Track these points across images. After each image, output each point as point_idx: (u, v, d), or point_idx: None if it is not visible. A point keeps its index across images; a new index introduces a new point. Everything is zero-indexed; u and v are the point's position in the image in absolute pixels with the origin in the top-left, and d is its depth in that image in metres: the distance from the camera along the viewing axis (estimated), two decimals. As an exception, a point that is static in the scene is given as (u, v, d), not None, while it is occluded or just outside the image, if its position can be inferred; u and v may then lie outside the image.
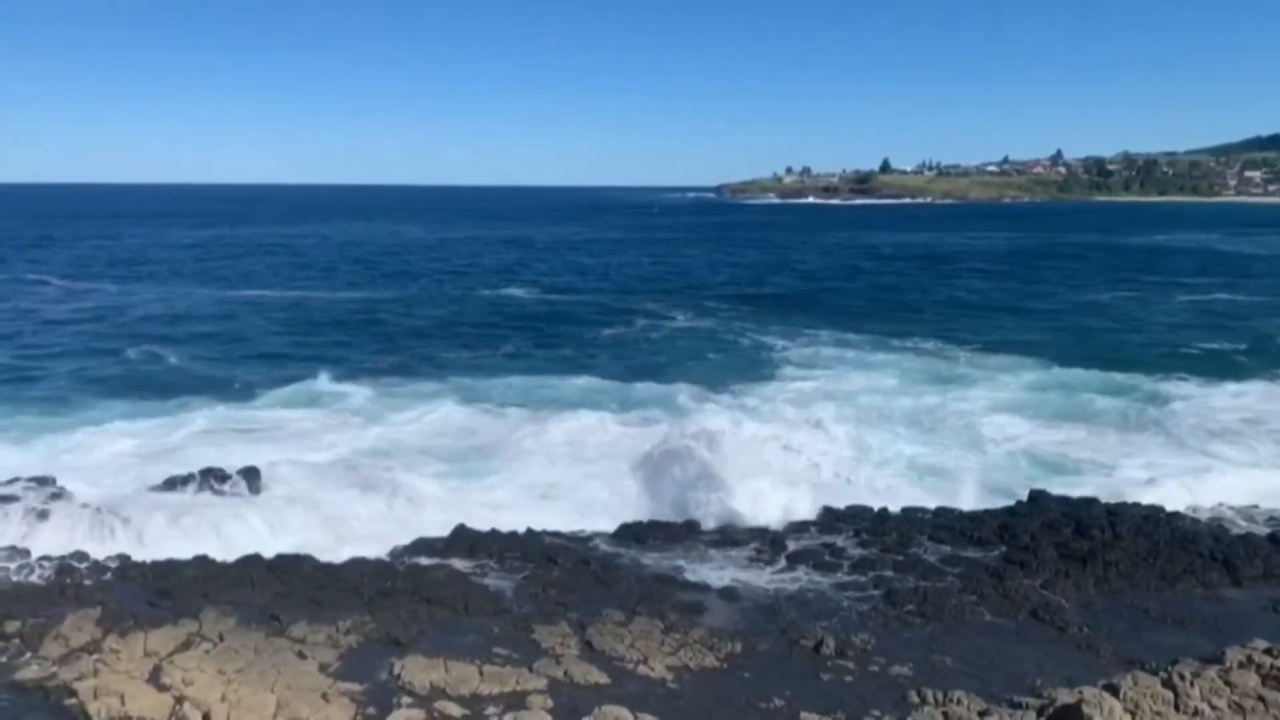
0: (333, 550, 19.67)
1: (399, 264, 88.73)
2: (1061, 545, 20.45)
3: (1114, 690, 12.23)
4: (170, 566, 18.23)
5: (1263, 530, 21.66)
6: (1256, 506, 23.68)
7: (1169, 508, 22.80)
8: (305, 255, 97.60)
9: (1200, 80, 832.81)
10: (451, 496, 23.77)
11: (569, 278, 78.10)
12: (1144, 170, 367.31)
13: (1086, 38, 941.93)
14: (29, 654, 14.82)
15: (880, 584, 18.78)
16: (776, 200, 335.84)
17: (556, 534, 21.22)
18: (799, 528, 21.86)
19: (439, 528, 21.16)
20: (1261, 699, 12.17)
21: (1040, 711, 11.76)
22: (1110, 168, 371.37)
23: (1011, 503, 23.29)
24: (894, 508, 22.91)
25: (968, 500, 23.94)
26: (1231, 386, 36.95)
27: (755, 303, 61.43)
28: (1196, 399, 35.04)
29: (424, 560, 19.57)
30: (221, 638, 15.38)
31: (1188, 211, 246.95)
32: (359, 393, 34.50)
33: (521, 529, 21.11)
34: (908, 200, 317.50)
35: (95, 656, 14.63)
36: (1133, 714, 11.62)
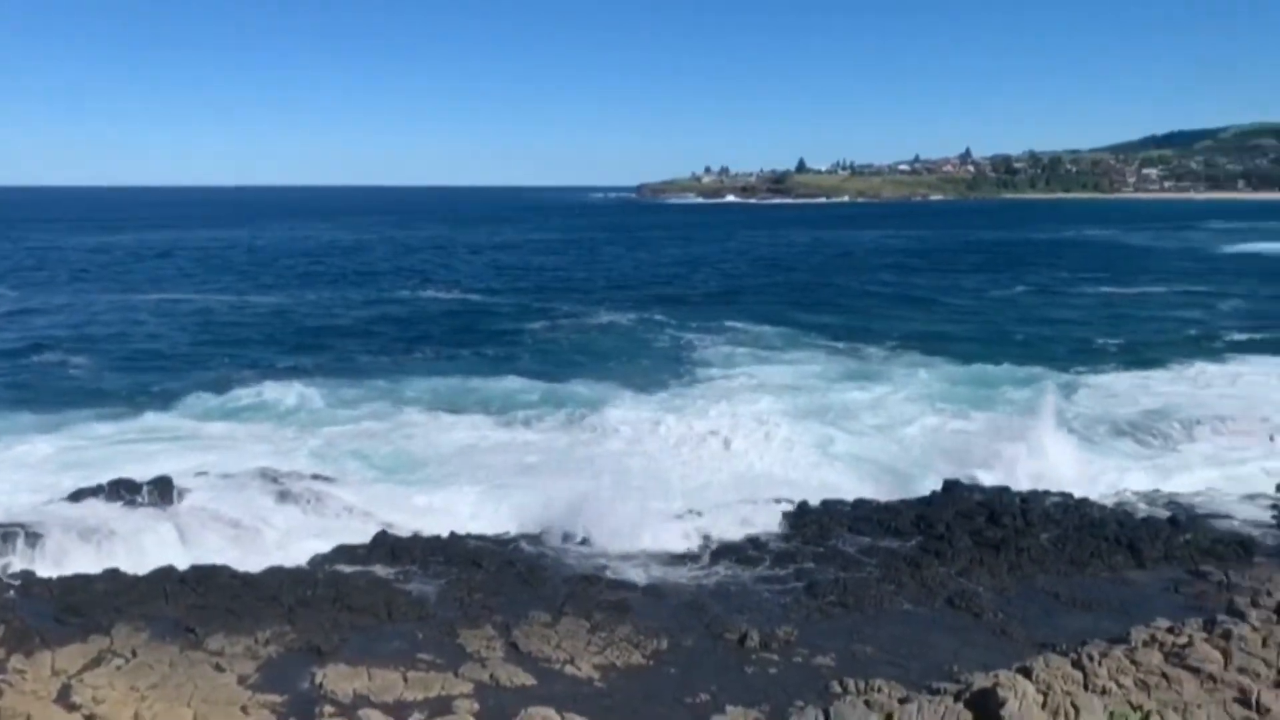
0: (250, 560, 19.24)
1: (315, 266, 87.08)
2: (976, 534, 21.03)
3: (1027, 672, 12.62)
4: (79, 581, 17.62)
5: (1163, 514, 22.52)
6: (1158, 491, 24.60)
7: (1076, 495, 23.59)
8: (217, 258, 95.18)
9: (1101, 81, 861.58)
10: (374, 502, 23.46)
11: (491, 279, 77.56)
12: (1049, 168, 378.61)
13: (992, 38, 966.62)
14: (-72, 677, 14.23)
15: (802, 576, 19.07)
16: (696, 200, 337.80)
17: (481, 537, 21.09)
18: (722, 523, 22.04)
19: (360, 534, 20.87)
20: (1164, 675, 12.68)
21: (957, 696, 12.07)
22: (1017, 166, 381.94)
23: (927, 493, 23.87)
24: (814, 500, 23.28)
25: (885, 491, 24.46)
26: (1133, 376, 38.37)
27: (677, 301, 61.77)
28: (1102, 389, 36.32)
29: (345, 567, 19.25)
30: (134, 653, 14.94)
31: (1091, 207, 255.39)
32: (277, 398, 33.78)
33: (445, 533, 20.93)
34: (823, 200, 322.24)
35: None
36: (1045, 695, 12.00)
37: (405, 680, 14.38)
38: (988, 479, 24.73)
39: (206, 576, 17.93)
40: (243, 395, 34.31)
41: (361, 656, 15.13)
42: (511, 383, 36.82)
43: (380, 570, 19.12)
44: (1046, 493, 23.70)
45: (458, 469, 26.50)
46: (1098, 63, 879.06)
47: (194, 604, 16.93)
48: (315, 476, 24.59)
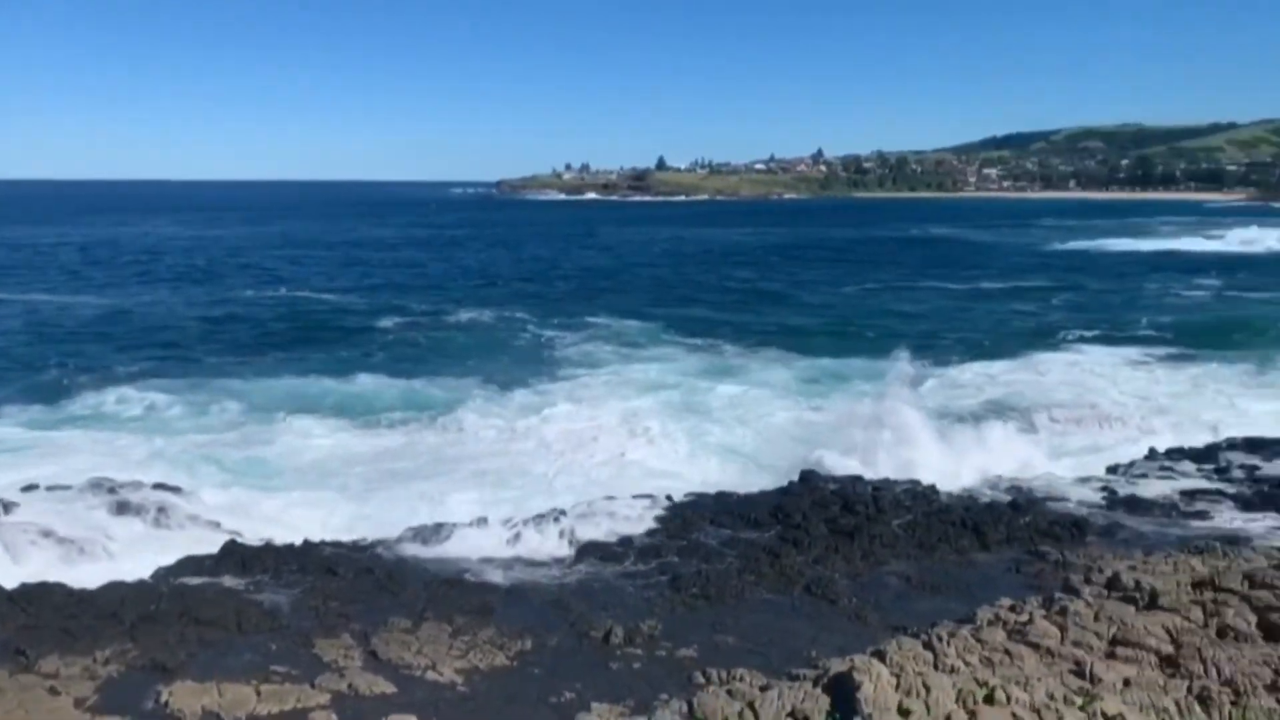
0: (86, 576, 18.14)
1: (154, 264, 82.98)
2: (831, 522, 21.64)
3: (881, 656, 13.04)
4: (-109, 607, 16.28)
5: (1004, 498, 23.67)
6: (1000, 477, 25.83)
7: (924, 481, 24.56)
8: (45, 256, 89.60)
9: (943, 83, 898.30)
10: (223, 511, 22.51)
11: (343, 277, 75.54)
12: (896, 168, 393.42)
13: (841, 40, 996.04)
14: None
15: (665, 570, 19.23)
16: (559, 196, 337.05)
17: (338, 544, 20.48)
18: (587, 520, 22.02)
19: (209, 545, 19.97)
20: (1007, 651, 13.30)
21: (815, 681, 12.37)
22: (866, 165, 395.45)
23: (784, 484, 24.44)
24: (677, 495, 23.53)
25: (750, 484, 24.93)
26: (978, 366, 40.21)
27: (538, 298, 61.53)
28: (948, 378, 37.94)
29: (192, 580, 18.39)
30: (-44, 681, 13.88)
31: (936, 206, 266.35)
32: (115, 404, 32.04)
33: (299, 541, 20.24)
34: (682, 197, 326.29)
35: None
36: (898, 676, 12.41)
37: (258, 694, 13.81)
38: (849, 468, 25.47)
39: (37, 595, 16.81)
40: (77, 402, 32.46)
41: (211, 672, 14.45)
42: (367, 383, 36.01)
43: (229, 581, 18.34)
44: (897, 481, 24.59)
45: (311, 474, 25.69)
46: (940, 65, 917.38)
47: (25, 624, 15.85)
48: (158, 486, 23.39)
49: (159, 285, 67.91)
